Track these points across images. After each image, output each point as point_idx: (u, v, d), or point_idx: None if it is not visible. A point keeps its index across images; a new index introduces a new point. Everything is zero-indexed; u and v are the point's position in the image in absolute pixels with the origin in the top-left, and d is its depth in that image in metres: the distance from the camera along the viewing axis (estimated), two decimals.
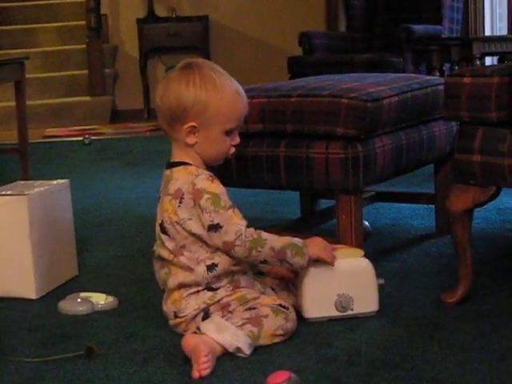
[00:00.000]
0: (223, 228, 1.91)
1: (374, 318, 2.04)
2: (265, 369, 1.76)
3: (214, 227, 1.91)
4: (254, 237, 1.92)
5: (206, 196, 1.92)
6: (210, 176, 1.96)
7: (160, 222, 1.99)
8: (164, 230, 1.97)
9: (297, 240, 1.97)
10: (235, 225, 1.91)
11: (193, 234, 1.94)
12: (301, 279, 2.04)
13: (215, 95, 1.94)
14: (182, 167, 1.97)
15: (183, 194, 1.93)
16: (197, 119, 1.94)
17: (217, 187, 1.94)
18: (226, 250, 1.92)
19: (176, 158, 2.00)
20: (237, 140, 2.01)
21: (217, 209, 1.91)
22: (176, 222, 1.94)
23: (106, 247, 2.89)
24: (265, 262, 1.95)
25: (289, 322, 1.92)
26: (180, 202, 1.94)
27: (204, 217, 1.91)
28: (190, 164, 1.97)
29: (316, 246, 1.99)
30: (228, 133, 1.98)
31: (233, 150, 2.02)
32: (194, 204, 1.92)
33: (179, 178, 1.96)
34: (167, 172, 2.00)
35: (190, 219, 1.93)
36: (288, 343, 1.91)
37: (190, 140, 1.97)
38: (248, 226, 1.93)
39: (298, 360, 1.81)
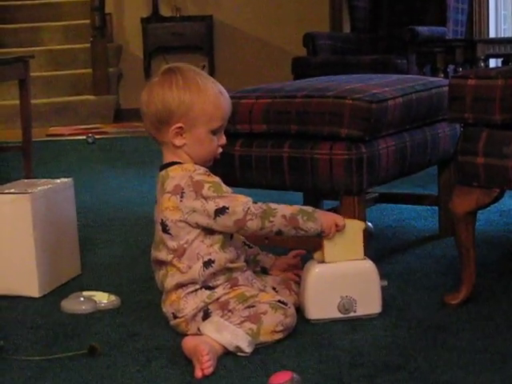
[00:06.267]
0: (230, 209, 1.92)
1: (376, 319, 2.04)
2: (267, 369, 1.76)
3: (221, 210, 1.92)
4: (263, 208, 1.93)
5: (207, 185, 1.93)
6: (206, 171, 1.98)
7: (160, 220, 1.99)
8: (165, 229, 1.97)
9: (306, 207, 2.00)
10: (241, 203, 1.93)
11: (199, 226, 1.94)
12: (304, 280, 2.04)
13: (199, 95, 1.96)
14: (176, 166, 1.99)
15: (183, 189, 1.94)
16: (182, 120, 1.96)
17: (214, 178, 1.96)
18: (239, 228, 1.94)
19: (168, 160, 2.02)
20: (223, 140, 2.03)
21: (219, 194, 1.93)
22: (179, 219, 1.95)
23: (109, 246, 2.89)
24: (280, 232, 1.95)
25: (288, 318, 1.92)
26: (181, 197, 1.94)
27: (209, 204, 1.92)
28: (184, 163, 1.99)
29: (327, 218, 2.00)
30: (214, 132, 1.99)
31: (220, 150, 2.04)
32: (196, 196, 1.93)
33: (175, 176, 1.97)
34: (162, 173, 2.01)
35: (194, 211, 1.93)
36: (290, 343, 1.91)
37: (178, 141, 1.98)
38: (255, 202, 1.94)
39: (300, 360, 1.81)
